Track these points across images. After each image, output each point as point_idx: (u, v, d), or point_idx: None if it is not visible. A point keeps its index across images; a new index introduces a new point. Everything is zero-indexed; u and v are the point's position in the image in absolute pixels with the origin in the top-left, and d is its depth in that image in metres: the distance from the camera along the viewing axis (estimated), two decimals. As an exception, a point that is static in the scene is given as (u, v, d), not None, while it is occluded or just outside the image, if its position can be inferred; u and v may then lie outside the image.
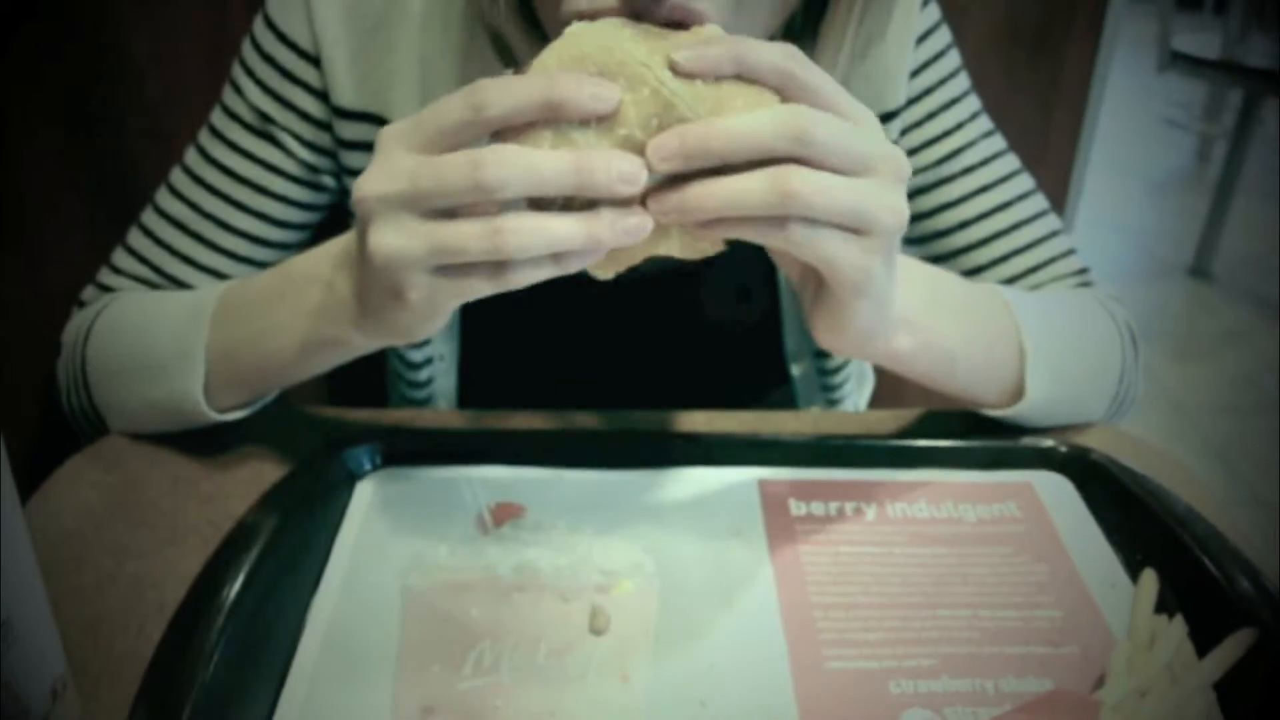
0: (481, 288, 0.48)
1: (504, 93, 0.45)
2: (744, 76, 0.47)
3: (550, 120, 0.46)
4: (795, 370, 0.87)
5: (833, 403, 0.90)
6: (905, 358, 0.60)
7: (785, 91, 0.47)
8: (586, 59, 0.46)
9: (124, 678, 0.50)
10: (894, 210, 0.48)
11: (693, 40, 0.47)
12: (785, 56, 0.47)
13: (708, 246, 0.50)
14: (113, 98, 1.07)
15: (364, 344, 0.57)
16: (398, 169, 0.46)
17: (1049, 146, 1.50)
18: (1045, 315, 0.68)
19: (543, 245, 0.45)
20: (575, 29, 0.47)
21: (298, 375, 0.63)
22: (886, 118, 0.75)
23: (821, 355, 0.87)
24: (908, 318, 0.57)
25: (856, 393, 0.96)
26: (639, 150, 0.46)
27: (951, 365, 0.63)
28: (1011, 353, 0.66)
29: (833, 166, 0.46)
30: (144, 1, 1.05)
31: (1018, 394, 0.66)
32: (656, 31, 0.47)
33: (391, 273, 0.48)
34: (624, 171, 0.45)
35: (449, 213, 0.46)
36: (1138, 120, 4.34)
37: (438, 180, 0.45)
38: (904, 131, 0.76)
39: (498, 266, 0.47)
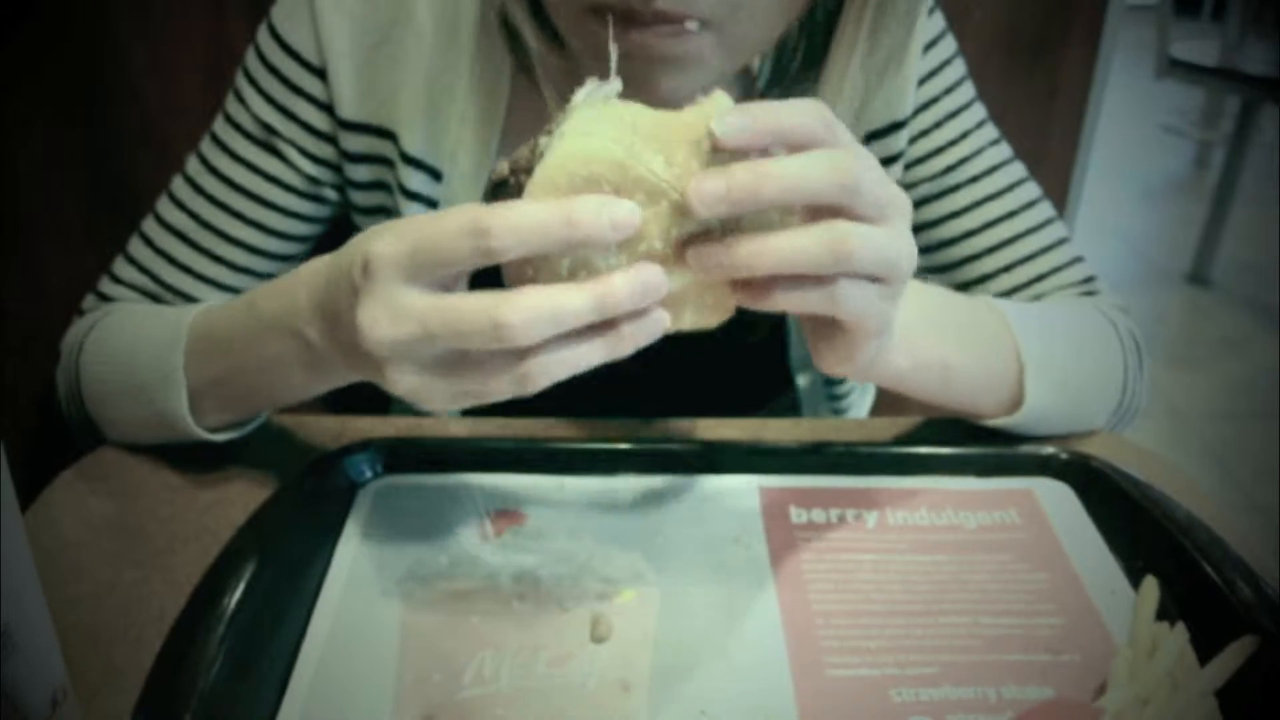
0: (503, 397, 0.47)
1: (513, 231, 0.42)
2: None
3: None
4: (801, 381, 0.87)
5: (838, 413, 0.90)
6: (904, 376, 0.60)
7: (814, 147, 0.46)
8: (599, 179, 0.44)
9: (123, 687, 0.50)
10: (912, 256, 0.49)
11: (704, 114, 0.44)
12: (816, 118, 0.45)
13: (720, 314, 0.49)
14: (111, 106, 1.07)
15: (355, 378, 0.54)
16: (405, 312, 0.44)
17: (1048, 153, 1.50)
18: (1042, 325, 0.68)
19: (567, 372, 0.45)
20: (579, 108, 0.45)
21: (286, 404, 0.63)
22: (895, 127, 0.75)
23: None
24: (906, 337, 0.57)
25: (860, 402, 0.96)
26: (659, 260, 0.45)
27: (948, 379, 0.63)
28: (1009, 364, 0.66)
29: (869, 215, 0.46)
30: (142, 12, 1.05)
31: (1016, 404, 0.66)
32: (663, 118, 0.45)
33: (417, 402, 0.47)
34: (648, 285, 0.44)
35: None
36: (1136, 127, 4.35)
37: (455, 332, 0.43)
38: (911, 140, 0.76)
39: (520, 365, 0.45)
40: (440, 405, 0.47)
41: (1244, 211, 3.21)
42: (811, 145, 0.45)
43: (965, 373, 0.64)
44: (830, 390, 0.88)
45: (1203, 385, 2.58)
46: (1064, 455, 0.67)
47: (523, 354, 0.44)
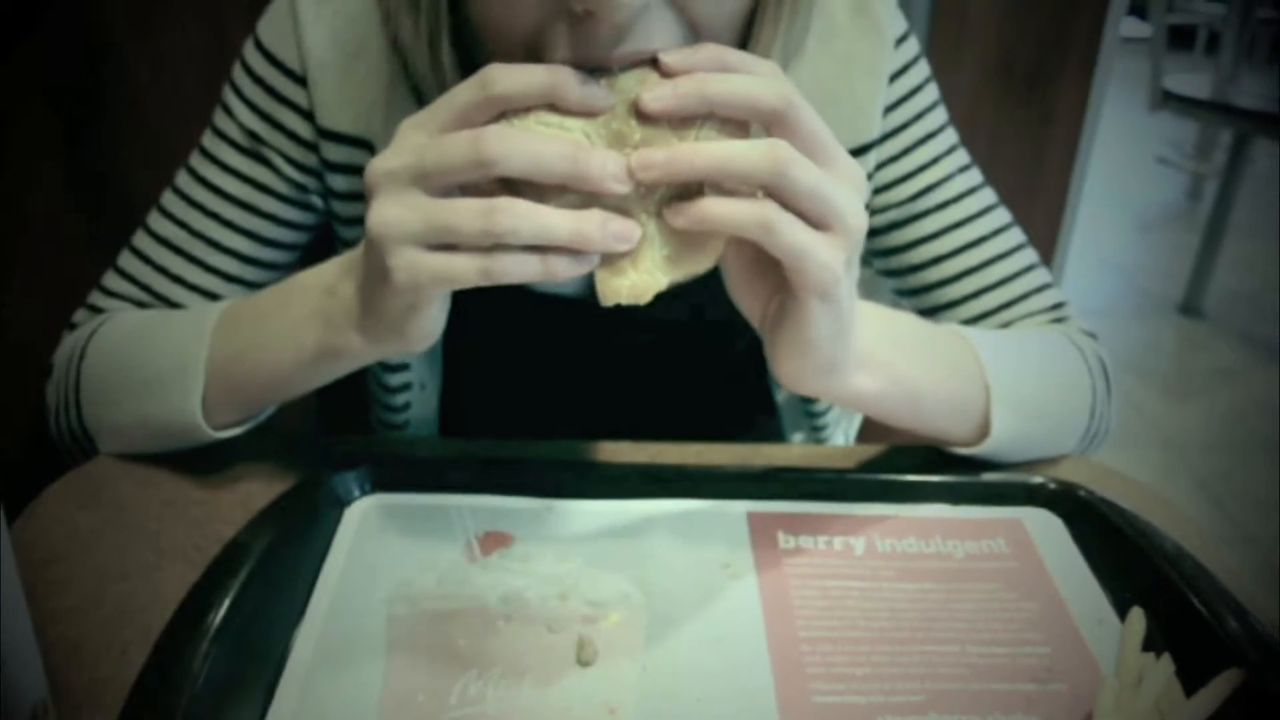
0: (467, 274, 0.49)
1: (509, 74, 0.48)
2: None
3: (549, 106, 0.48)
4: (780, 397, 0.87)
5: (816, 429, 0.90)
6: (869, 398, 0.60)
7: (772, 130, 0.49)
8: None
9: (107, 702, 0.50)
10: (859, 216, 0.51)
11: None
12: (777, 97, 0.49)
13: (695, 264, 0.51)
14: (112, 121, 1.07)
15: (363, 349, 0.57)
16: (407, 147, 0.49)
17: (1042, 184, 1.51)
18: (1008, 354, 0.69)
19: (532, 230, 0.47)
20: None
21: (296, 387, 0.63)
22: (861, 150, 0.75)
23: None
24: (869, 355, 0.58)
25: (845, 421, 0.96)
26: (626, 141, 0.49)
27: (917, 404, 0.63)
28: (976, 391, 0.66)
29: (815, 155, 0.49)
30: (144, 26, 1.05)
31: (984, 432, 0.66)
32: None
33: (384, 245, 0.49)
34: (616, 169, 0.48)
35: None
36: (1130, 158, 4.38)
37: (441, 154, 0.48)
38: (879, 166, 0.77)
39: (486, 255, 0.48)
40: (401, 253, 0.49)
41: (1237, 243, 3.23)
42: (768, 125, 0.50)
43: (933, 397, 0.64)
44: (807, 407, 0.88)
45: (1195, 416, 2.59)
46: (1053, 485, 0.67)
47: (495, 198, 0.48)
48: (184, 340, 0.65)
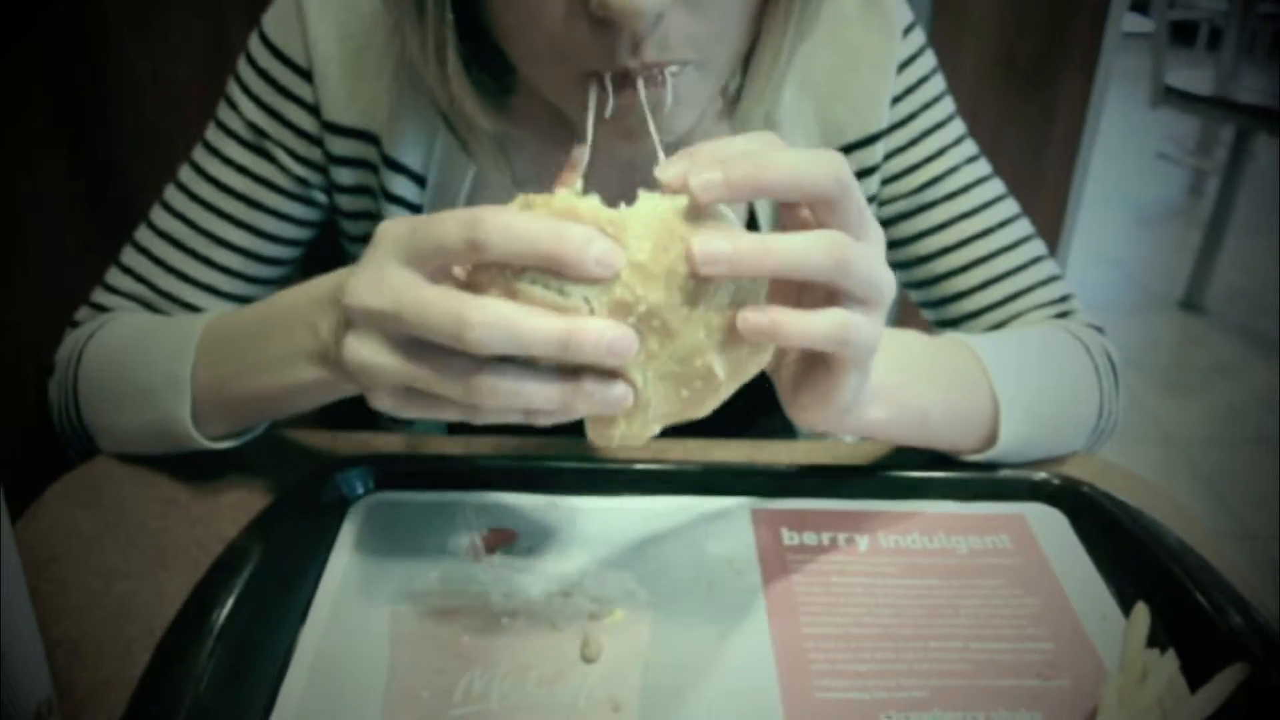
0: (448, 416, 0.47)
1: (507, 234, 0.43)
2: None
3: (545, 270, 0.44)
4: None
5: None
6: (879, 427, 0.60)
7: (818, 210, 0.47)
8: (568, 213, 0.45)
9: (110, 701, 0.50)
10: (893, 281, 0.49)
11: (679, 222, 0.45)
12: (830, 180, 0.46)
13: (689, 417, 0.49)
14: (113, 118, 1.07)
15: (351, 388, 0.55)
16: (386, 285, 0.45)
17: (1043, 180, 1.51)
18: (1015, 360, 0.68)
19: (515, 409, 0.45)
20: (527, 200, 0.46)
21: (287, 410, 0.62)
22: (870, 140, 0.75)
23: None
24: (880, 388, 0.57)
25: None
26: (630, 310, 0.45)
27: (925, 425, 0.63)
28: (983, 403, 0.66)
29: (855, 232, 0.47)
30: (144, 24, 1.05)
31: (992, 440, 0.66)
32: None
33: (362, 379, 0.48)
34: (615, 343, 0.44)
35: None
36: (1131, 154, 4.37)
37: (420, 318, 0.44)
38: (887, 156, 0.77)
39: (468, 409, 0.46)
40: (384, 391, 0.48)
41: (1238, 239, 3.23)
42: (818, 204, 0.47)
43: (941, 417, 0.64)
44: None
45: (1195, 411, 2.59)
46: (1056, 481, 0.67)
47: (478, 366, 0.45)
48: (172, 352, 0.64)
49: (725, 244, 0.44)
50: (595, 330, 0.43)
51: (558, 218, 0.44)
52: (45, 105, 1.03)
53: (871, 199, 0.77)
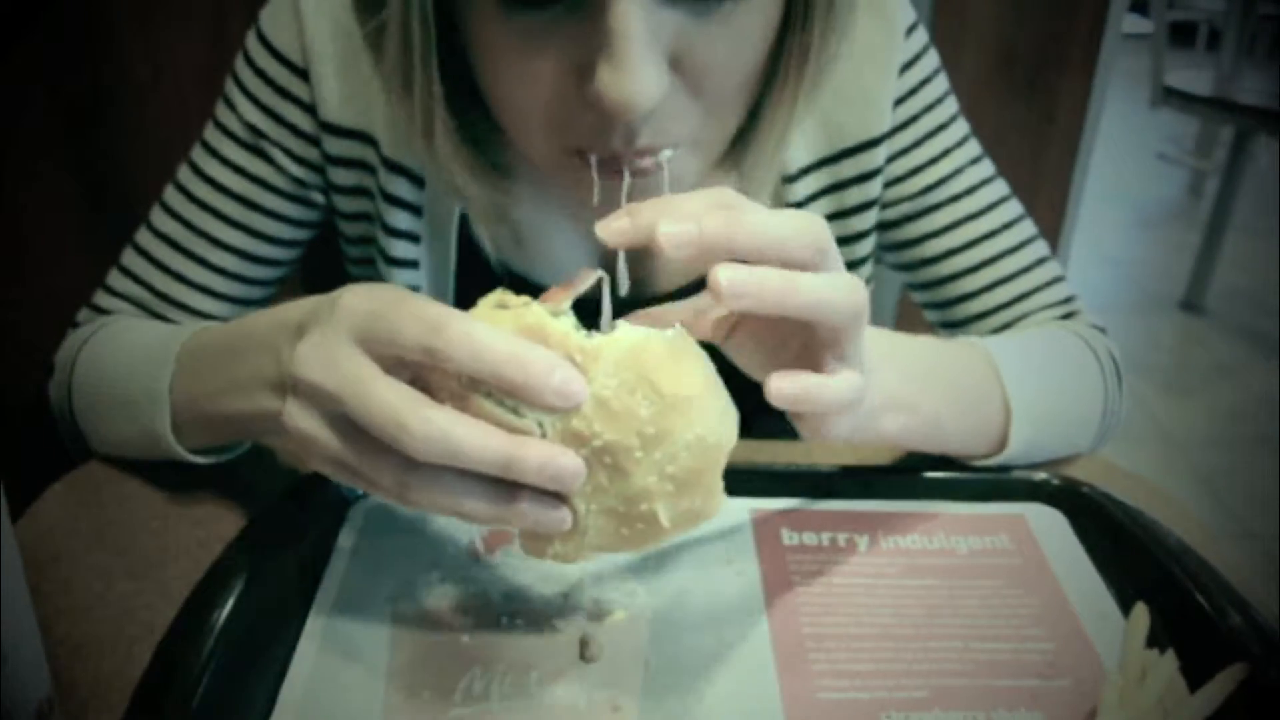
0: (386, 496, 0.46)
1: (467, 349, 0.42)
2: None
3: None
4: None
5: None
6: (892, 436, 0.60)
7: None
8: (536, 332, 0.44)
9: (111, 701, 0.50)
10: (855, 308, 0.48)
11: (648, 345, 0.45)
12: (813, 241, 0.45)
13: (625, 551, 0.48)
14: (113, 118, 1.07)
15: None
16: (334, 364, 0.45)
17: (1043, 180, 1.51)
18: (1027, 365, 0.68)
19: (448, 508, 0.45)
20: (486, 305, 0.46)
21: (260, 435, 0.62)
22: (872, 144, 0.75)
23: None
24: (894, 398, 0.57)
25: None
26: (584, 443, 0.44)
27: (938, 432, 0.63)
28: (995, 409, 0.66)
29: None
30: (144, 24, 1.05)
31: (1001, 445, 0.66)
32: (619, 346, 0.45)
33: (297, 447, 0.47)
34: (561, 471, 0.43)
35: None
36: (1131, 154, 4.38)
37: (362, 410, 0.43)
38: (891, 159, 0.77)
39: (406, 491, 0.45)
40: (316, 464, 0.47)
41: (1237, 239, 3.23)
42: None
43: (954, 424, 0.64)
44: None
45: (1195, 412, 2.59)
46: (1056, 481, 0.67)
47: (414, 466, 0.44)
48: (151, 367, 0.63)
49: (754, 274, 0.43)
50: (540, 455, 0.42)
51: (526, 332, 0.43)
52: (45, 105, 1.03)
53: (873, 202, 0.77)
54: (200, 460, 0.64)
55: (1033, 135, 1.50)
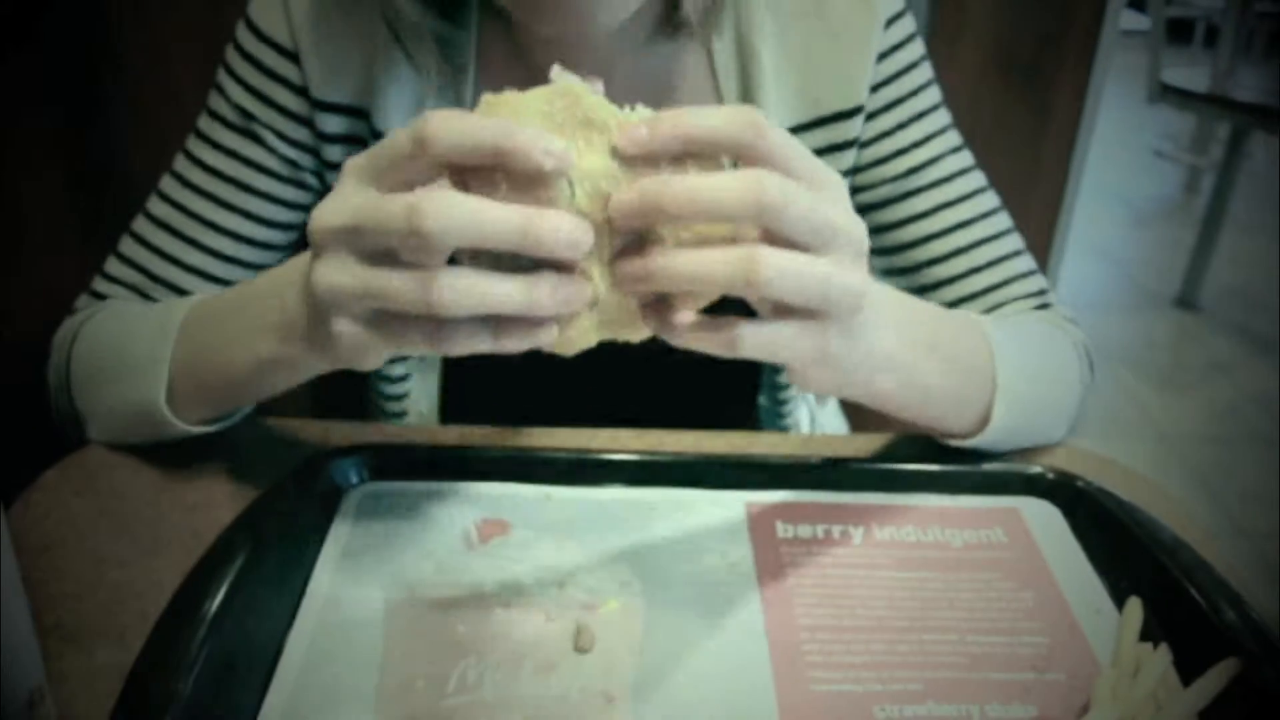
0: (415, 345, 0.47)
1: (449, 129, 0.43)
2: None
3: (500, 167, 0.44)
4: (762, 399, 0.87)
5: (780, 417, 0.90)
6: (883, 396, 0.59)
7: (744, 161, 0.46)
8: (570, 98, 0.45)
9: (103, 688, 0.50)
10: (853, 293, 0.48)
11: (628, 122, 0.45)
12: (742, 126, 0.45)
13: (630, 333, 0.49)
14: (113, 117, 1.07)
15: (317, 364, 0.55)
16: (346, 203, 0.46)
17: (1039, 176, 1.51)
18: (1019, 348, 0.68)
19: (477, 303, 0.44)
20: (492, 100, 0.46)
21: (257, 392, 0.62)
22: (846, 114, 0.76)
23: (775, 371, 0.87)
24: (891, 357, 0.57)
25: (800, 415, 0.95)
26: (603, 208, 0.45)
27: (927, 400, 0.63)
28: (982, 386, 0.65)
29: (796, 240, 0.45)
30: (143, 23, 1.05)
31: (982, 424, 0.66)
32: (585, 120, 0.45)
33: (325, 309, 0.47)
34: (571, 234, 0.44)
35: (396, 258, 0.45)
36: (1127, 151, 4.38)
37: (376, 221, 0.44)
38: (870, 142, 0.77)
39: (433, 326, 0.46)
40: (349, 319, 0.47)
41: (1233, 237, 3.24)
42: (740, 157, 0.45)
43: (943, 394, 0.64)
44: (775, 395, 0.89)
45: (1190, 409, 2.59)
46: (1051, 475, 0.67)
47: (438, 267, 0.44)
48: (155, 333, 0.64)
49: (633, 195, 0.44)
50: (552, 219, 0.43)
51: (559, 98, 0.45)
52: (45, 105, 1.03)
53: (852, 170, 0.78)
54: (189, 430, 0.64)
55: (1029, 131, 1.50)
